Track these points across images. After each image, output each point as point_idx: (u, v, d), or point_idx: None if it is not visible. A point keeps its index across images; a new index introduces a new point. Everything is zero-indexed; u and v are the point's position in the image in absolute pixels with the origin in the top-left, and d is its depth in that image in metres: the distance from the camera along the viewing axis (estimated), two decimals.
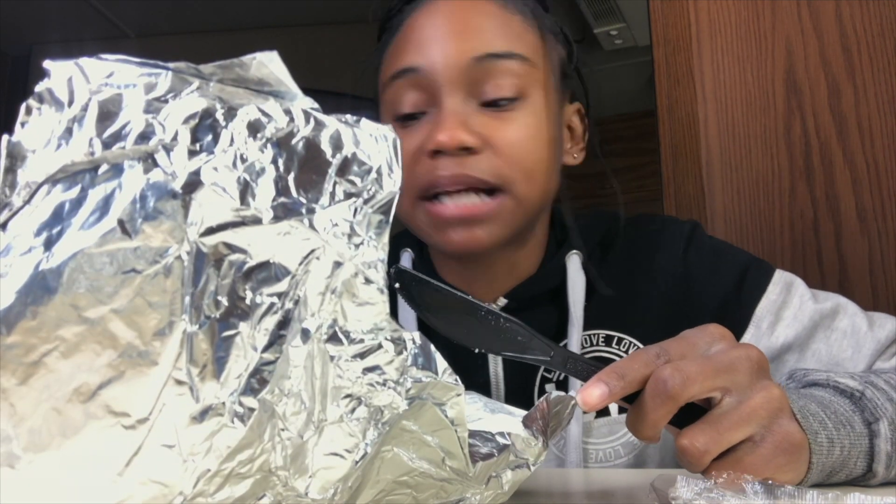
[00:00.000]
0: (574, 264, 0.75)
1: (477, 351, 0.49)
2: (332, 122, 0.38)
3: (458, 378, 0.41)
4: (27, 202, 0.33)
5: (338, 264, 0.36)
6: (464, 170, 0.65)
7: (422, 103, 0.69)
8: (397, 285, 0.47)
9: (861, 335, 0.70)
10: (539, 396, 0.73)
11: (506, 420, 0.47)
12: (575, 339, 0.72)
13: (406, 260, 0.78)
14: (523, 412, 0.48)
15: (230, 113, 0.35)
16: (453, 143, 0.65)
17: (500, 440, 0.44)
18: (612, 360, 0.53)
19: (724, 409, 0.47)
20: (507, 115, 0.68)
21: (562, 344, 0.73)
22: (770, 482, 0.48)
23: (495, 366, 0.74)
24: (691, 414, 0.48)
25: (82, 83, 0.35)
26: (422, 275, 0.48)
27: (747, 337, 0.73)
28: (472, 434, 0.43)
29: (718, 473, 0.47)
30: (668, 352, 0.49)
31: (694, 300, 0.75)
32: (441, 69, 0.67)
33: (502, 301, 0.74)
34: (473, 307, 0.49)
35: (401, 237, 0.80)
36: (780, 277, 0.75)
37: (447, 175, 0.65)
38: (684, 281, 0.75)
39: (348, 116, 0.38)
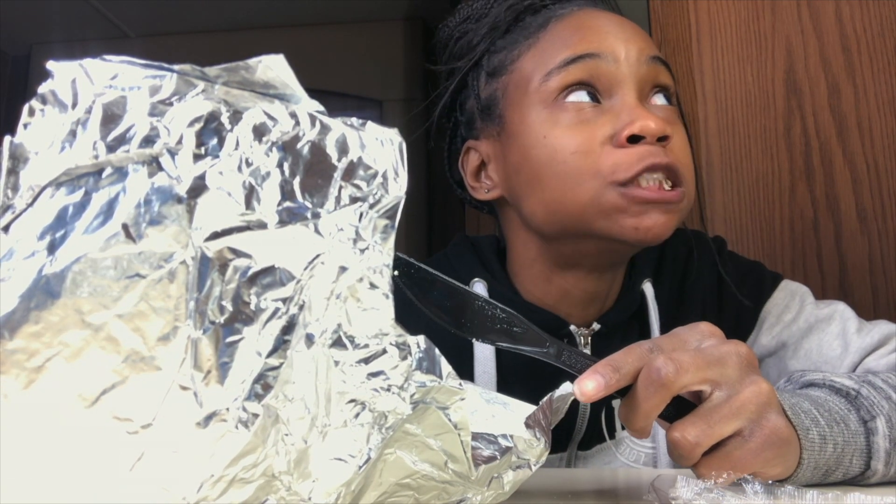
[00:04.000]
0: (650, 292, 0.77)
1: (474, 341, 0.50)
2: (337, 126, 0.37)
3: (461, 382, 0.41)
4: (30, 205, 0.33)
5: (343, 269, 0.36)
6: (670, 159, 0.65)
7: (595, 92, 0.68)
8: (395, 273, 0.47)
9: (849, 335, 0.72)
10: (606, 412, 0.75)
11: (505, 418, 0.47)
12: None
13: (481, 289, 0.76)
14: (517, 402, 0.48)
15: (235, 116, 0.35)
16: (661, 131, 0.65)
17: (503, 442, 0.44)
18: None
19: (715, 402, 0.48)
20: (671, 118, 0.70)
21: None
22: (770, 482, 0.49)
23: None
24: (682, 411, 0.49)
25: (86, 85, 0.34)
26: (419, 263, 0.48)
27: (752, 335, 0.78)
28: (475, 436, 0.43)
29: (718, 473, 0.48)
30: (661, 347, 0.50)
31: (723, 309, 0.79)
32: (624, 59, 0.68)
33: (597, 326, 0.75)
34: (469, 297, 0.49)
35: (467, 267, 0.78)
36: (786, 285, 0.80)
37: (660, 162, 0.64)
38: (716, 291, 0.79)
39: (354, 119, 0.38)
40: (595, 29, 0.70)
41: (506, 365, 0.73)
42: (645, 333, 0.76)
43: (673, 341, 0.51)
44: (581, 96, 0.68)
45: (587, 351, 0.74)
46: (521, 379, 0.72)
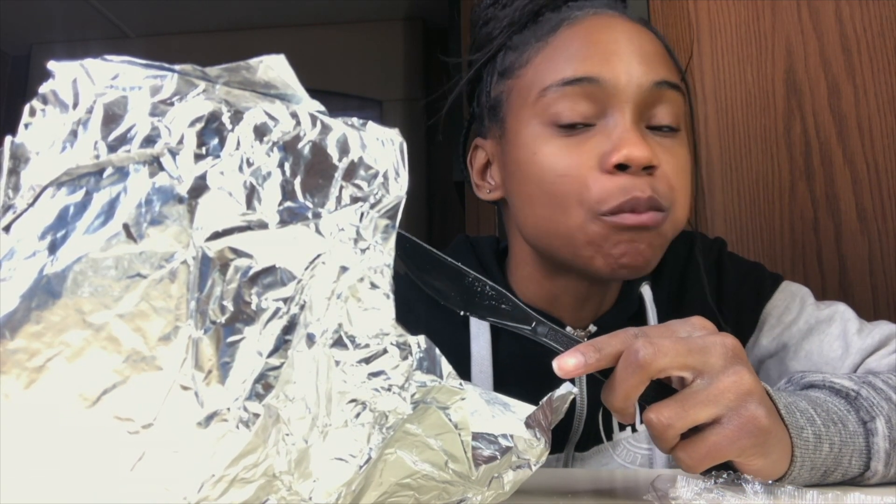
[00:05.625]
0: (648, 294, 0.78)
1: (462, 313, 0.52)
2: (338, 126, 0.37)
3: (462, 382, 0.41)
4: (31, 205, 0.33)
5: (344, 269, 0.36)
6: (652, 193, 0.64)
7: (590, 114, 0.67)
8: None
9: (850, 336, 0.73)
10: (603, 413, 0.76)
11: (505, 418, 0.47)
12: None
13: None
14: (519, 403, 0.49)
15: (236, 116, 0.35)
16: (646, 161, 0.63)
17: (503, 442, 0.44)
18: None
19: (694, 388, 0.49)
20: (667, 143, 0.68)
21: None
22: (770, 482, 0.49)
23: (580, 385, 0.75)
24: (666, 396, 0.50)
25: (87, 85, 0.34)
26: (416, 239, 0.50)
27: (753, 337, 0.78)
28: (476, 436, 0.43)
29: (719, 473, 0.48)
30: (646, 333, 0.51)
31: (723, 311, 0.79)
32: (624, 86, 0.66)
33: (593, 328, 0.76)
34: (461, 273, 0.51)
35: (466, 267, 0.78)
36: (787, 286, 0.80)
37: (643, 197, 0.64)
38: (714, 292, 0.80)
39: (355, 119, 0.38)
40: (600, 45, 0.68)
41: (502, 364, 0.74)
42: None
43: (661, 330, 0.52)
44: (574, 117, 0.67)
45: None
46: (517, 378, 0.73)
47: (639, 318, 0.77)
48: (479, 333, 0.74)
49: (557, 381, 0.73)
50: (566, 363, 0.49)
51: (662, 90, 0.67)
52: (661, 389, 0.51)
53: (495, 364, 0.73)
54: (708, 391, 0.49)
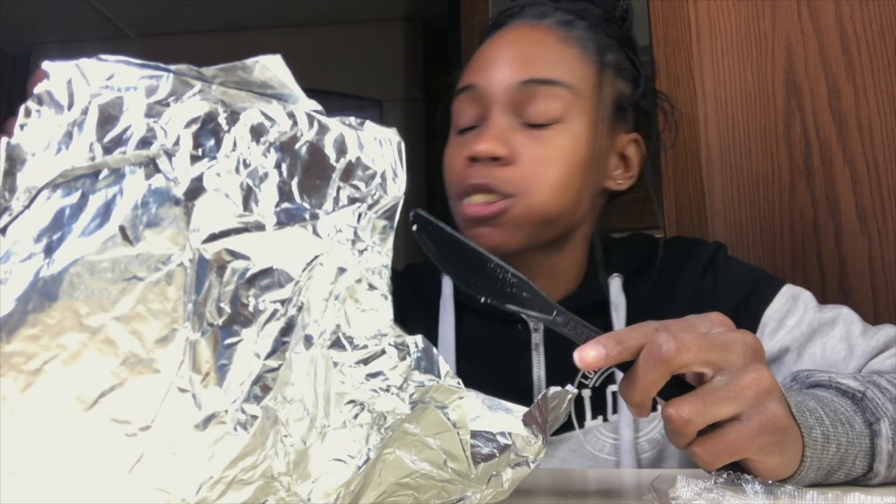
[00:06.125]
0: (616, 286, 0.81)
1: (483, 300, 0.51)
2: (335, 126, 0.37)
3: (460, 381, 0.41)
4: (27, 207, 0.33)
5: (341, 270, 0.36)
6: (488, 179, 0.72)
7: (477, 117, 0.77)
8: (415, 227, 0.48)
9: (854, 338, 0.72)
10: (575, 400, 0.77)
11: (505, 418, 0.47)
12: None
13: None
14: (521, 408, 0.48)
15: (233, 117, 0.35)
16: (485, 153, 0.72)
17: (502, 440, 0.44)
18: None
19: (714, 385, 0.49)
20: (543, 135, 0.74)
21: None
22: (770, 482, 0.49)
23: (538, 369, 0.78)
24: (683, 392, 0.49)
25: (82, 85, 0.34)
26: (439, 221, 0.50)
27: None
28: (474, 434, 0.43)
29: (719, 473, 0.48)
30: (667, 327, 0.51)
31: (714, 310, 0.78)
32: (493, 89, 0.75)
33: None
34: (483, 259, 0.51)
35: None
36: (788, 290, 0.79)
37: (476, 183, 0.73)
38: (707, 295, 0.80)
39: (352, 119, 0.38)
40: (486, 56, 0.78)
41: (463, 344, 0.80)
42: (606, 327, 0.77)
43: (681, 324, 0.52)
44: (463, 121, 0.78)
45: (539, 335, 0.79)
46: (478, 357, 0.78)
47: (604, 309, 0.80)
48: (445, 313, 0.81)
49: (516, 361, 0.78)
50: (587, 355, 0.48)
51: (532, 88, 0.74)
52: (677, 384, 0.50)
53: (458, 343, 0.79)
54: (729, 388, 0.48)
